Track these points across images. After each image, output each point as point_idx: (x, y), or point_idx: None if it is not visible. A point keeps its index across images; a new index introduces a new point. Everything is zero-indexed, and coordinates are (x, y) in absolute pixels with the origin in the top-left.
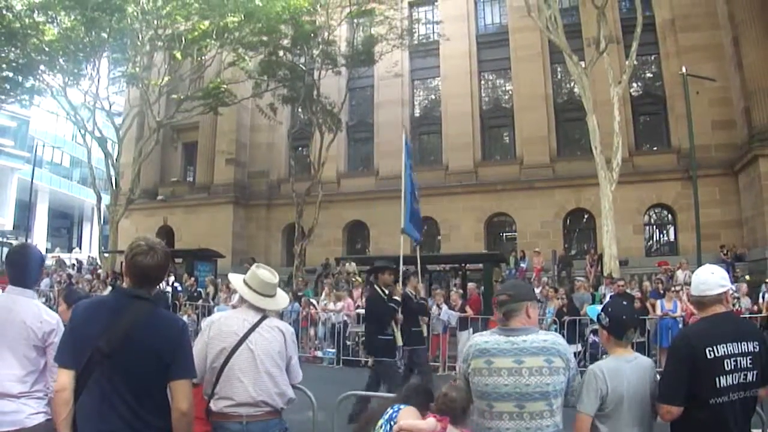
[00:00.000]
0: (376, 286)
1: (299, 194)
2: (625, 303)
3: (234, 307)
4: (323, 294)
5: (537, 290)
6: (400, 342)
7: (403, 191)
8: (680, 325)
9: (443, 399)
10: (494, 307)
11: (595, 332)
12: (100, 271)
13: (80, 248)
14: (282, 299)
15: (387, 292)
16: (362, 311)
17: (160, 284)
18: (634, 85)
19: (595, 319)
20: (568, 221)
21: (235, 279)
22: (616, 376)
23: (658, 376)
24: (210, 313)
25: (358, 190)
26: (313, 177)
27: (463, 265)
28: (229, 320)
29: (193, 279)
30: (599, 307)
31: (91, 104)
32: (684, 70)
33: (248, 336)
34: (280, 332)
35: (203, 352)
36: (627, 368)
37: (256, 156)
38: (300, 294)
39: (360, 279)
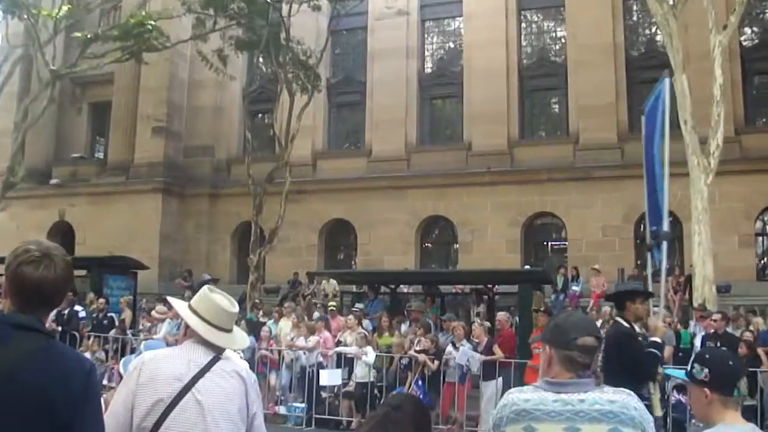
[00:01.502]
0: (621, 320)
1: (258, 181)
2: (723, 348)
3: (168, 343)
4: (284, 322)
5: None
6: (659, 410)
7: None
8: None
9: None
10: (547, 349)
11: (680, 389)
12: None
13: None
14: (241, 338)
15: (640, 330)
16: (347, 350)
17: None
18: (747, 31)
19: (684, 379)
20: (641, 227)
21: (179, 304)
22: None
23: None
24: (125, 348)
25: (343, 177)
26: (278, 157)
27: (489, 286)
28: (167, 361)
29: (101, 300)
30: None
31: None
32: None
33: (195, 383)
34: (240, 379)
35: (128, 405)
36: None
37: (196, 125)
38: (257, 320)
39: (337, 304)
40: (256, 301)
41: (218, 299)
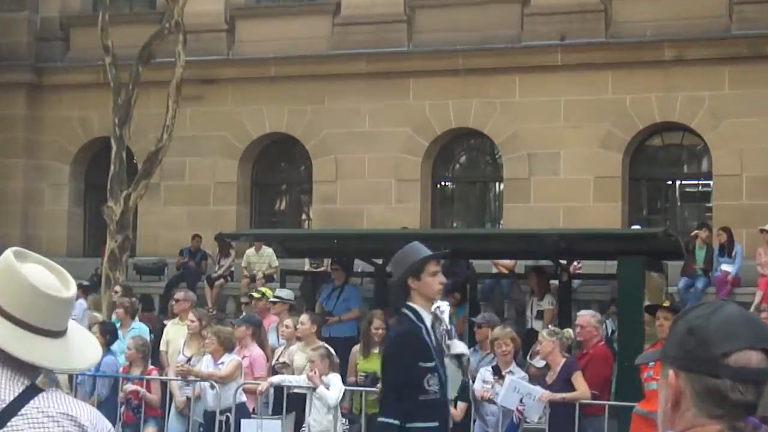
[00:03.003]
0: None
1: (124, 60)
2: None
3: None
4: (174, 329)
5: None
6: None
7: None
8: None
9: None
10: (672, 375)
11: None
12: None
13: None
14: (85, 344)
15: None
16: (293, 380)
17: None
18: None
19: None
20: None
21: None
22: None
23: None
24: None
25: (286, 54)
26: (161, 15)
27: (563, 263)
28: None
29: None
30: None
31: None
32: None
33: None
34: (76, 427)
35: None
36: None
37: None
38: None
39: (270, 291)
40: (117, 288)
41: (33, 273)
